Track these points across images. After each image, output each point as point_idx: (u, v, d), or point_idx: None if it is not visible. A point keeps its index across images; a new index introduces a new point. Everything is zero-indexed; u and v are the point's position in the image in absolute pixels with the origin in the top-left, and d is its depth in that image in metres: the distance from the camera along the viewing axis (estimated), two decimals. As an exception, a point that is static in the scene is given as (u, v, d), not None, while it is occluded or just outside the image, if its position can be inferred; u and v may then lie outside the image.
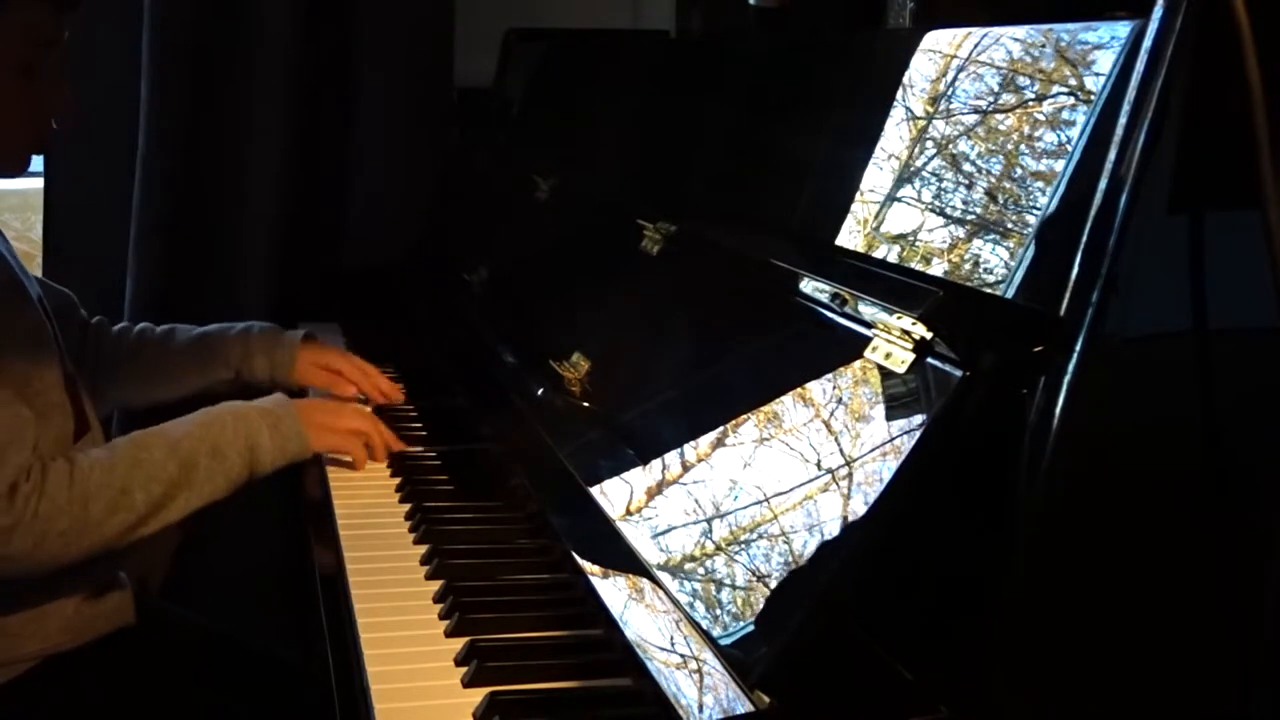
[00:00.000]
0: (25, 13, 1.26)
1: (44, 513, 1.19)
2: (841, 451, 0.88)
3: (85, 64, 2.03)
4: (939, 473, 0.82)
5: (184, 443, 1.30)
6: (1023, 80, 0.92)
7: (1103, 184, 0.78)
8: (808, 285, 1.04)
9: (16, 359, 1.25)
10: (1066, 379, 0.77)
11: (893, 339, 0.87)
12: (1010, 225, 0.88)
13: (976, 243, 0.91)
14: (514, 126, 2.16)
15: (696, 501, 0.98)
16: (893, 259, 0.98)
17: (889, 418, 0.86)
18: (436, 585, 1.17)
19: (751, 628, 0.85)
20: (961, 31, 1.00)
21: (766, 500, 0.92)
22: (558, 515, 1.20)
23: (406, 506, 1.36)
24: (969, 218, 0.93)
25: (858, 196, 1.05)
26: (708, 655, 0.86)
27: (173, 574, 2.06)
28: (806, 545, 0.85)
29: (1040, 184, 0.87)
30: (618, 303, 1.41)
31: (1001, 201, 0.90)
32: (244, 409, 1.37)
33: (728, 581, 0.90)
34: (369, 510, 1.37)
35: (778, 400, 0.98)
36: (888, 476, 0.82)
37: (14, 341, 1.26)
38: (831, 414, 0.91)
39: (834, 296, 0.99)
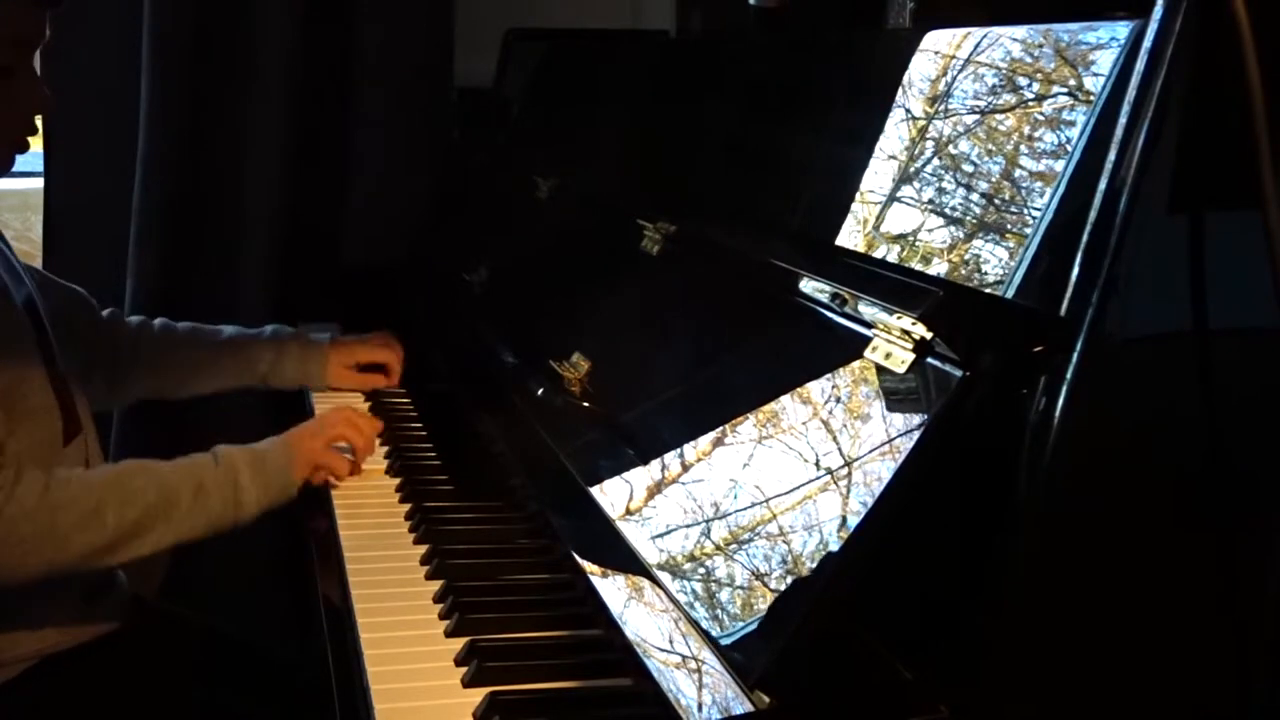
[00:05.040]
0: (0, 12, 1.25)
1: (9, 514, 1.17)
2: (841, 451, 0.88)
3: (86, 64, 2.03)
4: (939, 472, 0.81)
5: (170, 476, 1.29)
6: (1023, 80, 0.92)
7: (1103, 184, 0.78)
8: (808, 285, 1.04)
9: None
10: (1066, 379, 0.77)
11: (893, 339, 0.87)
12: (1010, 225, 0.88)
13: (976, 243, 0.91)
14: (514, 126, 2.16)
15: (696, 501, 0.98)
16: (893, 259, 0.98)
17: (889, 417, 0.86)
18: (436, 585, 1.17)
19: (751, 627, 0.85)
20: (961, 31, 1.00)
21: (766, 500, 0.92)
22: (558, 515, 1.20)
23: (406, 506, 1.36)
24: (969, 218, 0.93)
25: (858, 196, 1.05)
26: (707, 655, 0.86)
27: (172, 574, 2.06)
28: (806, 545, 0.85)
29: (1040, 184, 0.87)
30: (618, 303, 1.41)
31: (1001, 202, 0.90)
32: (230, 450, 1.35)
33: (727, 581, 0.90)
34: (368, 510, 1.37)
35: (778, 400, 0.98)
36: (888, 476, 0.82)
37: None
38: (831, 414, 0.91)
39: (834, 296, 0.99)
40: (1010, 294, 0.85)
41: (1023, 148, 0.90)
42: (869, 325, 0.92)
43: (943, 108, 0.99)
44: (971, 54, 0.98)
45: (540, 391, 1.36)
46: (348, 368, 1.70)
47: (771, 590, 0.86)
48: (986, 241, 0.90)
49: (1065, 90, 0.87)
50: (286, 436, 1.39)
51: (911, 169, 1.00)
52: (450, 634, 1.08)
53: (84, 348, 1.50)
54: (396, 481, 1.43)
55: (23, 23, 1.28)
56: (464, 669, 1.02)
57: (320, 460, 1.39)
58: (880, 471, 0.83)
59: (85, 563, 1.24)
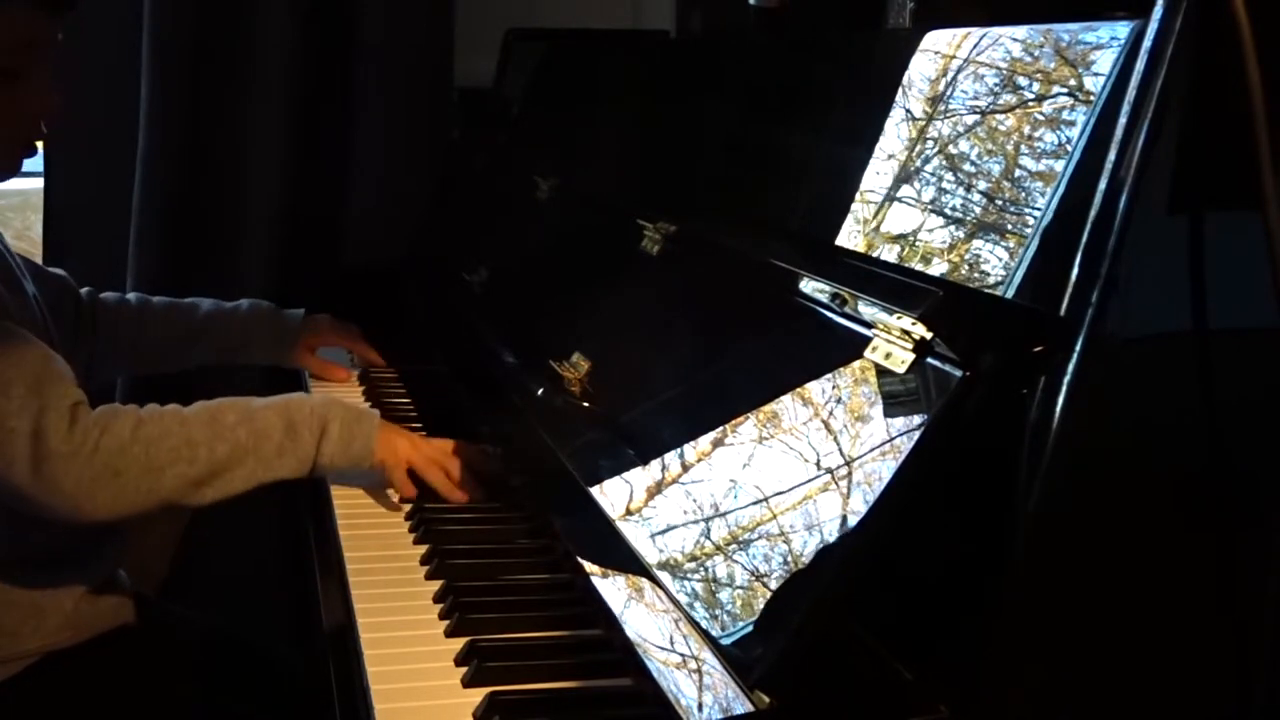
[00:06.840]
0: (4, 15, 1.23)
1: (105, 447, 1.18)
2: (841, 451, 0.88)
3: (85, 64, 2.03)
4: (939, 473, 0.81)
5: (261, 413, 1.28)
6: (1023, 80, 0.92)
7: (1103, 184, 0.78)
8: (808, 285, 1.04)
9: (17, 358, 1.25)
10: (1066, 379, 0.77)
11: (893, 339, 0.87)
12: (1010, 225, 0.88)
13: (976, 243, 0.91)
14: (514, 126, 2.16)
15: (696, 501, 0.98)
16: (893, 259, 0.98)
17: (889, 418, 0.86)
18: (436, 585, 1.17)
19: (751, 627, 0.85)
20: (961, 31, 1.00)
21: (766, 500, 0.92)
22: (558, 515, 1.20)
23: (406, 506, 1.36)
24: (969, 218, 0.93)
25: (858, 196, 1.05)
26: (708, 655, 0.86)
27: (173, 573, 2.06)
28: (806, 545, 0.85)
29: (1040, 184, 0.87)
30: (618, 303, 1.41)
31: (1001, 202, 0.90)
32: (327, 398, 1.35)
33: (728, 581, 0.90)
34: (369, 510, 1.37)
35: (778, 400, 0.98)
36: (887, 476, 0.82)
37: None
38: (831, 414, 0.91)
39: (834, 296, 0.99)
40: (1010, 294, 0.85)
41: (1023, 148, 0.90)
42: (869, 325, 0.92)
43: (943, 108, 0.99)
44: (971, 54, 0.98)
45: (540, 391, 1.36)
46: (311, 350, 1.74)
47: (772, 590, 0.86)
48: (986, 241, 0.90)
49: (1065, 90, 0.87)
50: (381, 420, 1.37)
51: (911, 169, 1.00)
52: (450, 634, 1.08)
53: (71, 331, 1.52)
54: (396, 481, 1.43)
55: (31, 25, 1.26)
56: (464, 669, 1.02)
57: (402, 467, 1.36)
58: (880, 471, 0.83)
59: (178, 496, 1.23)
